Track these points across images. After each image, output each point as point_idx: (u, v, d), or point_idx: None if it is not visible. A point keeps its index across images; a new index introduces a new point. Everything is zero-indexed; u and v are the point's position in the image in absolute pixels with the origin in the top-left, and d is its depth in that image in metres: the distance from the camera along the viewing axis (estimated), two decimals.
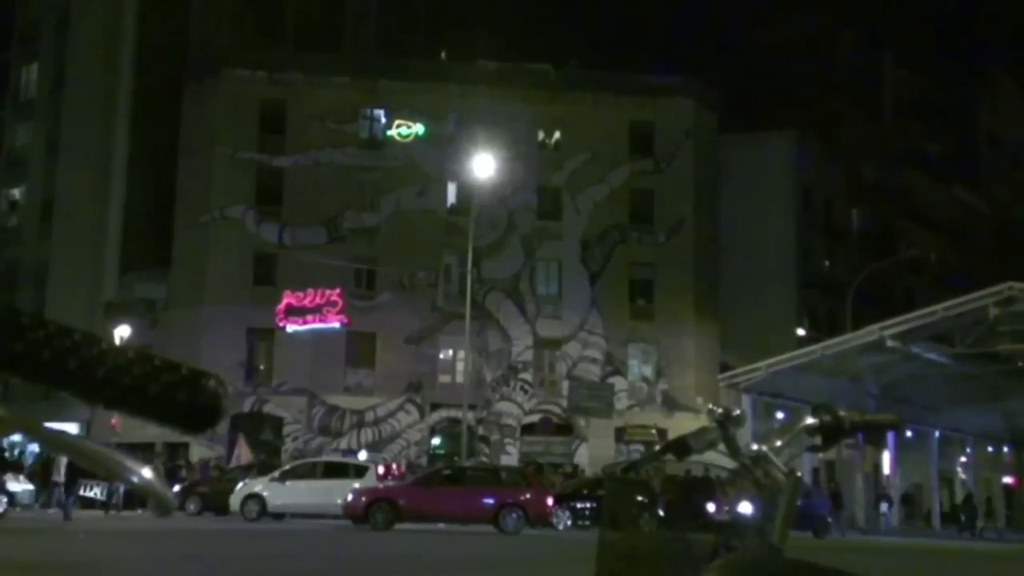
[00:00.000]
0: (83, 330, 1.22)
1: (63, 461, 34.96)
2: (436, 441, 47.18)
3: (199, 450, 43.10)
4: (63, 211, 52.42)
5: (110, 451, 1.33)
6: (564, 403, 46.96)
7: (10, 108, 58.71)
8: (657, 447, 3.07)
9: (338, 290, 45.89)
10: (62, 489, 29.37)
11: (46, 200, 54.01)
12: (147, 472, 1.33)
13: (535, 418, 47.10)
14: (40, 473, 34.82)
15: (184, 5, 55.77)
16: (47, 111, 55.32)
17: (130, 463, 1.32)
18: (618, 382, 47.68)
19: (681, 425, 39.77)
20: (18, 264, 55.41)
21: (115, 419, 36.95)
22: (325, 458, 35.41)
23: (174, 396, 1.21)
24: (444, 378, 46.87)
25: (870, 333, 35.14)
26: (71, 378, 1.20)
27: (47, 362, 1.19)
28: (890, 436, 41.91)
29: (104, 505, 32.89)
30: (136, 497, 28.02)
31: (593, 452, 45.17)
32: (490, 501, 27.21)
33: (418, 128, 48.05)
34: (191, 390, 1.22)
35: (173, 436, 37.78)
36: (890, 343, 34.58)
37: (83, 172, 51.64)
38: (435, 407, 46.46)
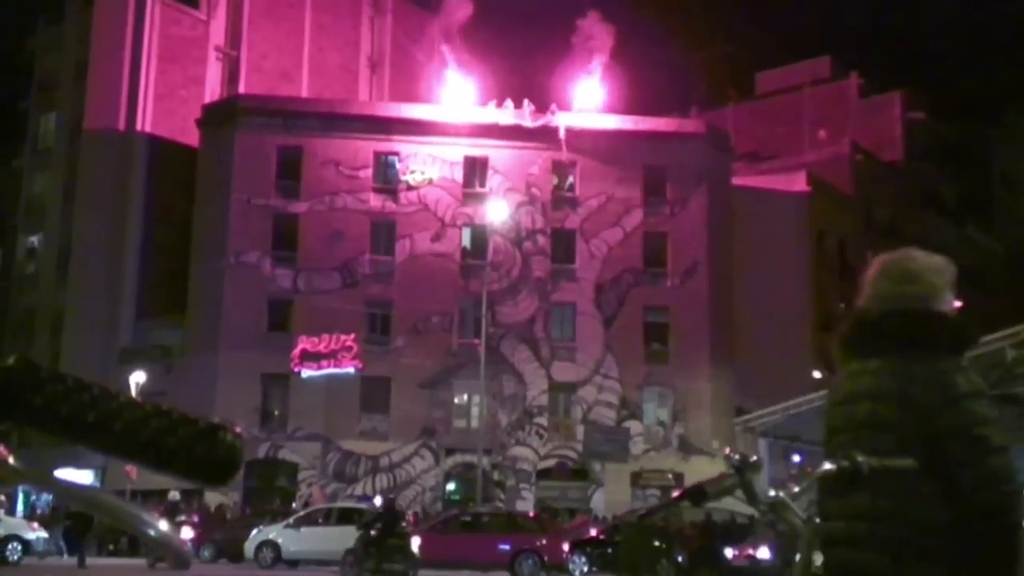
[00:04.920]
0: (101, 384, 1.23)
1: None
2: (451, 486, 46.88)
3: (214, 497, 42.91)
4: (79, 258, 52.66)
5: (126, 503, 1.33)
6: (579, 448, 46.67)
7: (28, 157, 59.26)
8: (674, 492, 3.05)
9: (353, 335, 45.90)
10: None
11: (63, 247, 54.28)
12: (163, 525, 1.32)
13: (550, 463, 46.79)
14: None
15: (203, 53, 56.41)
16: (64, 160, 55.78)
17: (146, 516, 1.32)
18: (633, 426, 47.38)
19: (697, 469, 39.49)
20: (35, 311, 55.63)
21: (130, 466, 36.86)
22: (339, 504, 35.22)
23: (192, 450, 1.21)
24: (459, 423, 46.69)
25: None
26: (89, 432, 1.21)
27: (65, 416, 1.20)
28: None
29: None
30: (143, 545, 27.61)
31: (609, 497, 44.83)
32: (506, 547, 27.03)
33: (432, 173, 48.26)
34: (208, 444, 1.22)
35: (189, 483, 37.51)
36: None
37: (99, 220, 51.94)
38: (450, 452, 46.22)
